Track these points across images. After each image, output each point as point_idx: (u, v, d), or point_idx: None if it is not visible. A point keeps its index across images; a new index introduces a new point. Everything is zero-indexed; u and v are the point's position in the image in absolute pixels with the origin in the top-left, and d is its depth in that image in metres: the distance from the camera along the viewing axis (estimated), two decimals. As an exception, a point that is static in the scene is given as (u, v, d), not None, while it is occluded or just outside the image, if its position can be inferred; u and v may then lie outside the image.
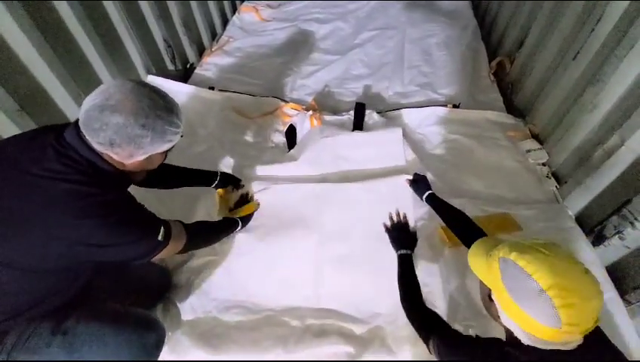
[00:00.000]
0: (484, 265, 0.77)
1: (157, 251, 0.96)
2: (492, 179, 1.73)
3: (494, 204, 1.59)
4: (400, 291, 1.13)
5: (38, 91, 1.48)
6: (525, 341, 0.70)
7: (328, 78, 2.37)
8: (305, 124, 1.90)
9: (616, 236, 1.31)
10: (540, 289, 0.64)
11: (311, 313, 1.31)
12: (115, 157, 0.86)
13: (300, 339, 1.23)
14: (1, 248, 0.82)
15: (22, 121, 1.38)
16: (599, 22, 1.49)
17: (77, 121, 0.84)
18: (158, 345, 1.06)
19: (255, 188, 1.61)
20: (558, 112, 1.75)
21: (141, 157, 0.89)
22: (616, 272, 1.34)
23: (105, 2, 1.78)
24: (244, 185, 1.62)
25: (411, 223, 1.44)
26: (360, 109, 1.99)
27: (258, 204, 1.55)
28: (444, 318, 0.99)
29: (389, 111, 2.05)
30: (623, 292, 1.28)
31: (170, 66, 2.36)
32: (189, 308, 1.31)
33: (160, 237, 0.95)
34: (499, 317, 0.76)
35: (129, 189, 0.99)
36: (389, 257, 1.27)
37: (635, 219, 1.23)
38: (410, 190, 1.52)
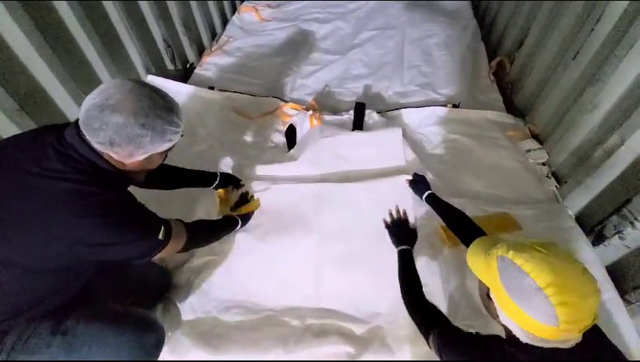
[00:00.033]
0: (482, 264, 0.78)
1: (157, 250, 0.96)
2: (492, 178, 1.73)
3: (494, 203, 1.59)
4: (401, 286, 1.13)
5: (38, 91, 1.48)
6: (524, 339, 0.70)
7: (328, 77, 2.37)
8: (305, 124, 1.90)
9: (616, 236, 1.31)
10: (538, 288, 0.65)
11: (311, 313, 1.31)
12: (115, 156, 0.86)
13: (300, 339, 1.23)
14: (1, 248, 0.82)
15: (21, 121, 1.38)
16: (599, 22, 1.49)
17: (77, 121, 0.84)
18: (158, 346, 1.06)
19: (255, 188, 1.61)
20: (558, 112, 1.75)
21: (141, 157, 0.88)
22: (616, 272, 1.34)
23: (104, 2, 1.78)
24: (244, 185, 1.62)
25: (411, 220, 1.45)
26: (360, 109, 1.99)
27: (259, 203, 1.55)
28: (445, 317, 1.00)
29: (388, 111, 2.06)
30: (622, 291, 1.28)
31: (170, 66, 2.36)
32: (189, 308, 1.31)
33: (160, 237, 0.95)
34: (497, 315, 0.76)
35: (129, 189, 0.99)
36: (389, 257, 1.27)
37: (635, 218, 1.23)
38: (410, 190, 1.52)
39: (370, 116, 1.97)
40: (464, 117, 1.99)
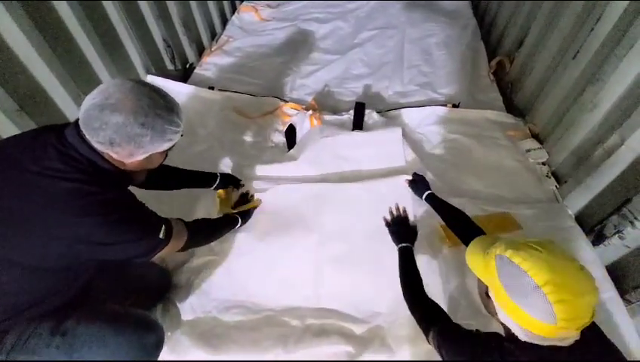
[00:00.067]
0: (481, 263, 0.78)
1: (158, 249, 0.96)
2: (492, 178, 1.73)
3: (494, 203, 1.59)
4: (401, 284, 1.13)
5: (38, 91, 1.48)
6: (522, 337, 0.71)
7: (328, 77, 2.37)
8: (305, 124, 1.90)
9: (616, 235, 1.31)
10: (535, 286, 0.65)
11: (311, 313, 1.31)
12: (115, 156, 0.86)
13: (299, 339, 1.23)
14: (1, 248, 0.82)
15: (21, 121, 1.38)
16: (599, 21, 1.49)
17: (77, 121, 0.84)
18: (158, 346, 1.06)
19: (255, 188, 1.61)
20: (558, 112, 1.75)
21: (141, 157, 0.88)
22: (616, 271, 1.34)
23: (104, 2, 1.78)
24: (244, 185, 1.62)
25: (411, 218, 1.45)
26: (360, 109, 1.99)
27: (260, 201, 1.55)
28: (445, 317, 0.99)
29: (388, 111, 2.05)
30: (622, 291, 1.28)
31: (170, 66, 2.36)
32: (189, 308, 1.31)
33: (161, 236, 0.95)
34: (496, 314, 0.77)
35: (129, 189, 0.99)
36: (389, 257, 1.27)
37: (635, 218, 1.23)
38: (409, 190, 1.52)
39: (370, 116, 1.97)
40: (464, 116, 1.99)
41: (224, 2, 2.92)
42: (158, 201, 1.49)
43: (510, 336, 0.74)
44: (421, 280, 1.11)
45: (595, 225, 1.43)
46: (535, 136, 1.89)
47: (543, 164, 1.77)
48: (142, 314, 1.10)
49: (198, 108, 2.05)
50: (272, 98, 2.15)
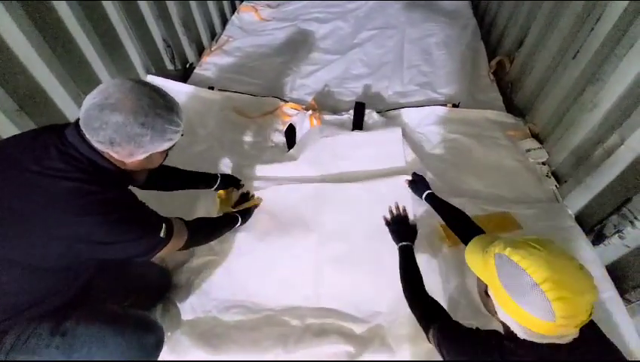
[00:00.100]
0: (480, 262, 0.79)
1: (158, 248, 0.96)
2: (492, 178, 1.73)
3: (494, 203, 1.59)
4: (402, 281, 1.13)
5: (37, 91, 1.48)
6: (522, 335, 0.71)
7: (328, 77, 2.37)
8: (304, 124, 1.90)
9: (616, 235, 1.31)
10: (534, 283, 0.66)
11: (311, 312, 1.31)
12: (115, 155, 0.86)
13: (299, 339, 1.23)
14: (1, 248, 0.82)
15: (21, 121, 1.38)
16: (599, 21, 1.49)
17: (77, 120, 0.84)
18: (158, 347, 1.06)
19: (255, 188, 1.61)
20: (558, 111, 1.75)
21: (141, 156, 0.88)
22: (616, 271, 1.34)
23: (104, 2, 1.78)
24: (244, 185, 1.62)
25: (411, 217, 1.45)
26: (360, 109, 1.99)
27: (260, 200, 1.55)
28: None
29: (388, 111, 2.05)
30: (622, 291, 1.28)
31: (170, 66, 2.36)
32: (189, 308, 1.31)
33: (162, 235, 0.95)
34: (496, 312, 0.77)
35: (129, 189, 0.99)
36: (389, 256, 1.27)
37: (635, 218, 1.23)
38: (409, 190, 1.52)
39: (370, 116, 1.97)
40: (464, 116, 1.99)
41: (224, 2, 2.92)
42: (158, 201, 1.49)
43: (510, 335, 0.74)
44: (421, 278, 1.11)
45: (595, 224, 1.43)
46: (535, 136, 1.89)
47: (543, 163, 1.77)
48: (142, 315, 1.11)
49: (198, 108, 2.05)
50: (272, 98, 2.15)
